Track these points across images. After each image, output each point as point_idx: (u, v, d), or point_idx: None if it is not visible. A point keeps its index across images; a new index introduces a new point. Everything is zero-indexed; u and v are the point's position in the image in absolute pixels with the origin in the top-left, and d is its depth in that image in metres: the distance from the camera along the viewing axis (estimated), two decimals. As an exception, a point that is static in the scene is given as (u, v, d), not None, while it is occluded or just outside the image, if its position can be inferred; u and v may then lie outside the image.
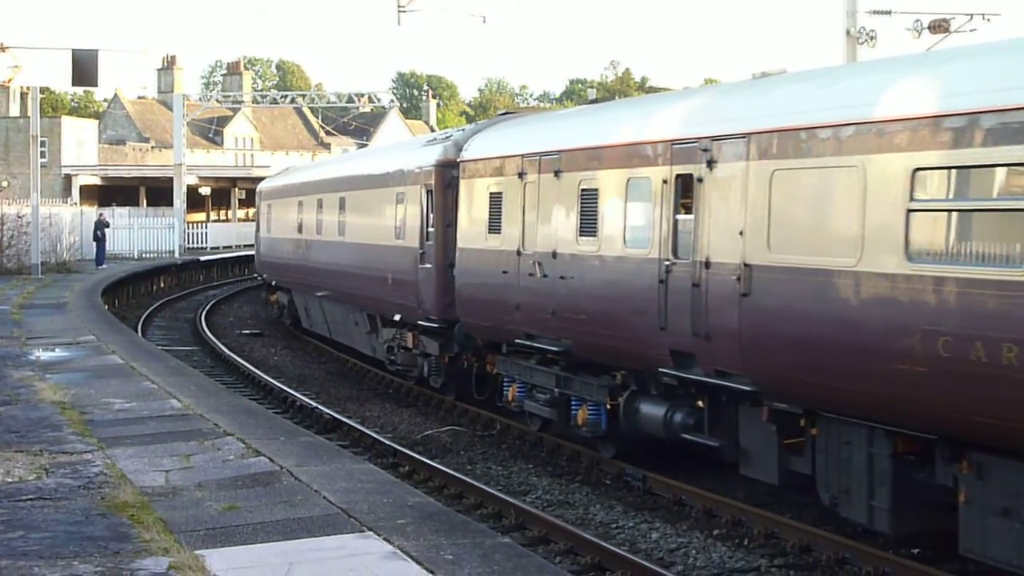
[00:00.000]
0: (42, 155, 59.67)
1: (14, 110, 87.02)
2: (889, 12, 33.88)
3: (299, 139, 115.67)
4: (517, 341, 20.14)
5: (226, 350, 33.91)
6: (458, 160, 23.05)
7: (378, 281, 27.26)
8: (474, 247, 21.88)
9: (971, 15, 34.40)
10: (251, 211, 76.49)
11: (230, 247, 73.00)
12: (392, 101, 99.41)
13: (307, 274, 35.30)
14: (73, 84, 41.41)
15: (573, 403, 19.03)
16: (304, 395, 26.10)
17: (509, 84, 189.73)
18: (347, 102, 79.19)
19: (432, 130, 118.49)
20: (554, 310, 18.85)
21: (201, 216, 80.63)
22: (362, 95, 77.40)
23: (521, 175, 20.13)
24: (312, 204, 35.04)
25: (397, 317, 26.20)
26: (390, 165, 27.79)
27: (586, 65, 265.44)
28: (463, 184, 22.64)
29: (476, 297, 21.81)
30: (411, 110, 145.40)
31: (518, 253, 19.99)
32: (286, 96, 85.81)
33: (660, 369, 16.24)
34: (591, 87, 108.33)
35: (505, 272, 20.32)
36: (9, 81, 40.89)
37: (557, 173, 19.00)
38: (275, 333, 40.22)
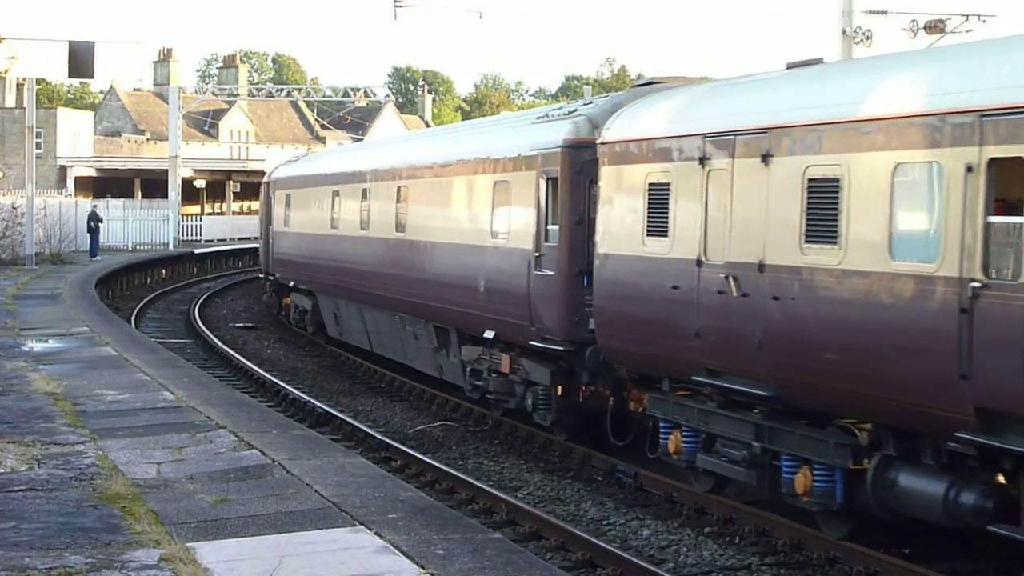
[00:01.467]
0: (37, 146, 59.69)
1: (10, 101, 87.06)
2: (885, 12, 33.88)
3: (294, 133, 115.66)
4: (695, 378, 15.56)
5: (219, 343, 33.90)
6: (598, 141, 18.12)
7: (459, 289, 22.64)
8: (624, 252, 17.07)
9: (967, 16, 34.43)
10: (246, 204, 76.70)
11: (224, 240, 72.97)
12: (388, 96, 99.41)
13: (342, 276, 30.57)
14: (70, 75, 41.40)
15: (785, 464, 14.55)
16: (297, 388, 26.10)
17: (505, 80, 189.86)
18: (343, 96, 79.17)
19: (427, 125, 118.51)
20: (760, 342, 14.34)
21: (196, 209, 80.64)
22: (358, 89, 77.42)
23: (703, 160, 15.44)
24: (353, 194, 30.14)
25: (489, 334, 21.43)
26: (482, 148, 22.81)
27: (582, 62, 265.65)
28: (605, 172, 17.79)
29: (627, 317, 17.12)
30: (406, 105, 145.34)
31: (698, 263, 15.33)
32: (282, 90, 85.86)
33: (955, 433, 11.88)
34: (587, 84, 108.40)
35: (676, 287, 15.70)
36: (5, 72, 40.91)
37: (765, 157, 14.44)
38: (268, 327, 40.18)
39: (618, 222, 17.31)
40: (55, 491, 12.23)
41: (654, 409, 16.88)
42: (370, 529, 10.93)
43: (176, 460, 13.90)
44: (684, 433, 16.22)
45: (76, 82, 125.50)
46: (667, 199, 16.15)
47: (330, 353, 32.99)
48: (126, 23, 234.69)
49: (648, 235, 16.47)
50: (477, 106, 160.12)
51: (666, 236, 16.09)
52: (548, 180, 19.66)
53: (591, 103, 20.45)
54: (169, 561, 9.87)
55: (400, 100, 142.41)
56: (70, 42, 39.81)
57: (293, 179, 37.39)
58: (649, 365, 16.96)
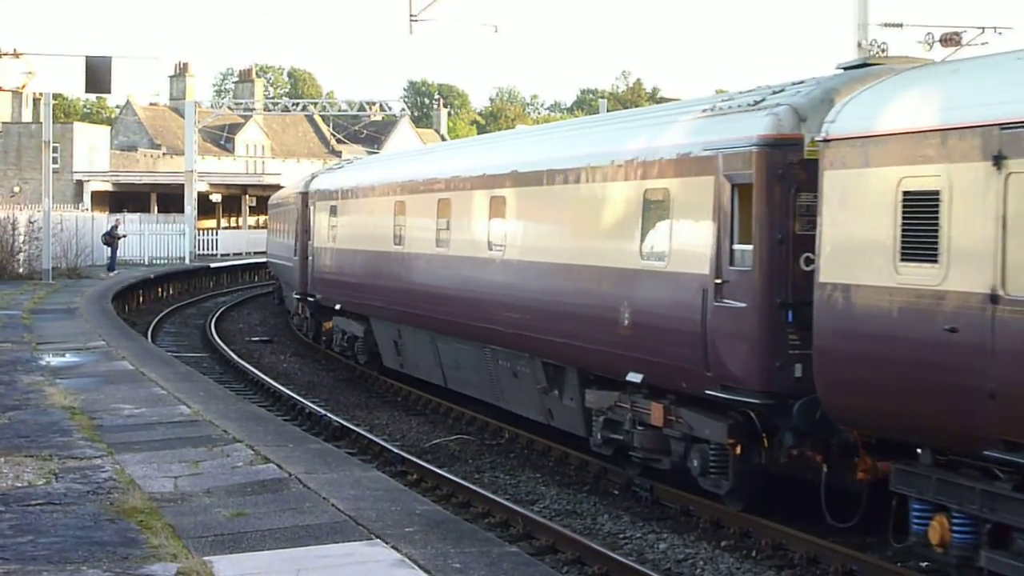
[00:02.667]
0: (54, 161, 59.70)
1: (27, 116, 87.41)
2: (900, 25, 33.87)
3: (310, 147, 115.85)
4: (988, 453, 11.77)
5: (235, 356, 33.93)
6: (819, 138, 14.08)
7: (587, 321, 18.52)
8: (865, 282, 13.14)
9: (983, 28, 34.38)
10: (262, 218, 76.69)
11: (240, 254, 73.16)
12: (403, 110, 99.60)
13: (409, 299, 26.16)
14: (87, 91, 41.47)
15: None
16: (313, 402, 26.10)
17: (520, 93, 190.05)
18: (358, 110, 79.37)
19: (443, 139, 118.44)
20: None
21: (212, 223, 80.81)
22: (373, 103, 77.63)
23: (998, 161, 11.57)
24: (425, 206, 25.68)
25: (634, 377, 17.29)
26: (622, 148, 18.27)
27: (597, 75, 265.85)
28: (831, 177, 13.77)
29: (869, 366, 13.08)
30: (422, 119, 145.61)
31: (992, 299, 11.51)
32: (297, 104, 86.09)
33: None
34: (602, 97, 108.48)
35: (952, 330, 11.91)
36: (23, 87, 40.95)
37: None
38: (284, 340, 40.22)
39: (853, 242, 13.36)
40: (72, 505, 12.24)
41: (901, 485, 13.10)
42: (387, 543, 10.93)
43: (193, 474, 13.91)
44: (955, 520, 12.39)
45: (92, 97, 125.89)
46: (935, 211, 12.24)
47: (346, 367, 32.96)
48: (142, 38, 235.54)
49: (903, 259, 12.57)
50: (492, 120, 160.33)
51: (934, 261, 12.18)
52: (733, 188, 15.44)
53: (783, 90, 15.92)
54: (186, 575, 9.89)
55: (416, 114, 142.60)
56: (87, 57, 39.89)
57: (341, 189, 32.81)
58: (900, 430, 13.17)
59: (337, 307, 32.34)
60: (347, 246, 31.46)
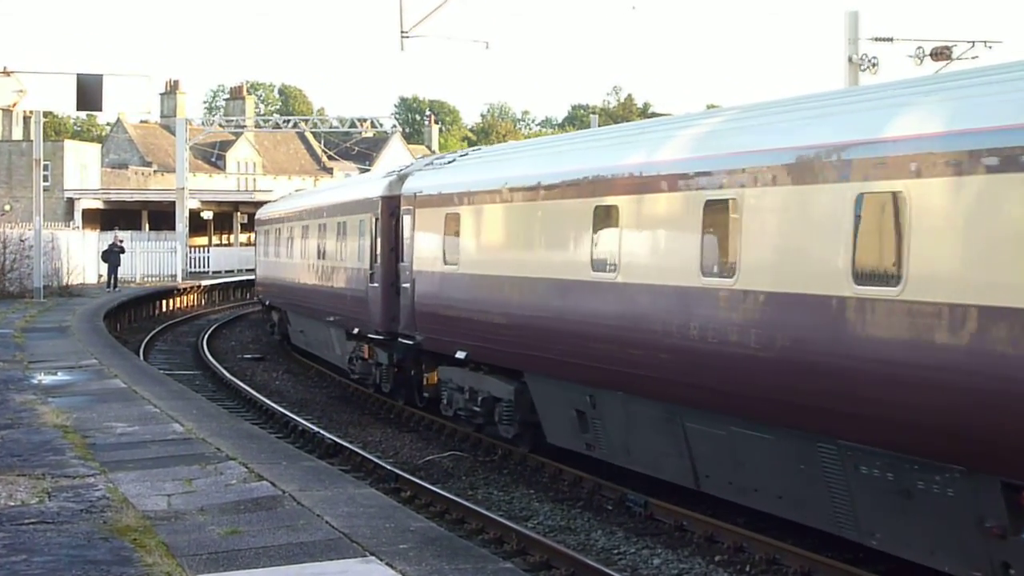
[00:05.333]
0: (45, 179, 59.91)
1: (17, 134, 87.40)
2: (891, 39, 33.99)
3: (301, 163, 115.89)
4: None
5: (228, 374, 33.89)
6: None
7: None
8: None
9: (973, 42, 34.50)
10: (253, 236, 76.59)
11: (232, 271, 73.17)
12: (395, 126, 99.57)
13: (619, 351, 17.44)
14: (78, 108, 41.55)
15: None
16: (306, 420, 26.07)
17: (511, 109, 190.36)
18: (349, 127, 79.36)
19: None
20: None
21: (203, 240, 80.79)
22: (364, 120, 77.58)
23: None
24: (673, 211, 16.53)
25: None
26: None
27: (588, 91, 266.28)
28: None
29: None
30: (413, 135, 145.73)
31: None
32: (288, 121, 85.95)
33: None
34: (593, 113, 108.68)
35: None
36: (14, 105, 41.01)
37: None
38: (276, 358, 40.18)
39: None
40: (66, 524, 12.22)
41: None
42: (381, 560, 10.92)
43: (186, 492, 13.89)
44: None
45: (83, 115, 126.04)
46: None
47: (339, 384, 32.88)
48: (133, 56, 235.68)
49: None
50: (484, 136, 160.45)
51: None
52: None
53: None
54: (180, 593, 9.88)
55: (407, 130, 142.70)
56: (78, 75, 39.95)
57: (470, 191, 22.99)
58: None
59: (460, 355, 22.81)
60: (487, 271, 21.96)
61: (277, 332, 43.87)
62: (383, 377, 28.45)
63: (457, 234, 23.10)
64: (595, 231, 18.21)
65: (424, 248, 24.79)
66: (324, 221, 34.22)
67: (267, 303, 46.02)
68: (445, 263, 23.53)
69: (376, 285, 27.47)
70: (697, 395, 15.73)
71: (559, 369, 19.43)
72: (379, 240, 27.55)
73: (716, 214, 15.33)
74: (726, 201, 15.08)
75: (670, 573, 15.01)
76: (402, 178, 27.46)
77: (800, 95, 15.93)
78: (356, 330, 29.38)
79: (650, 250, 16.87)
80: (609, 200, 17.79)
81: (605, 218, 17.94)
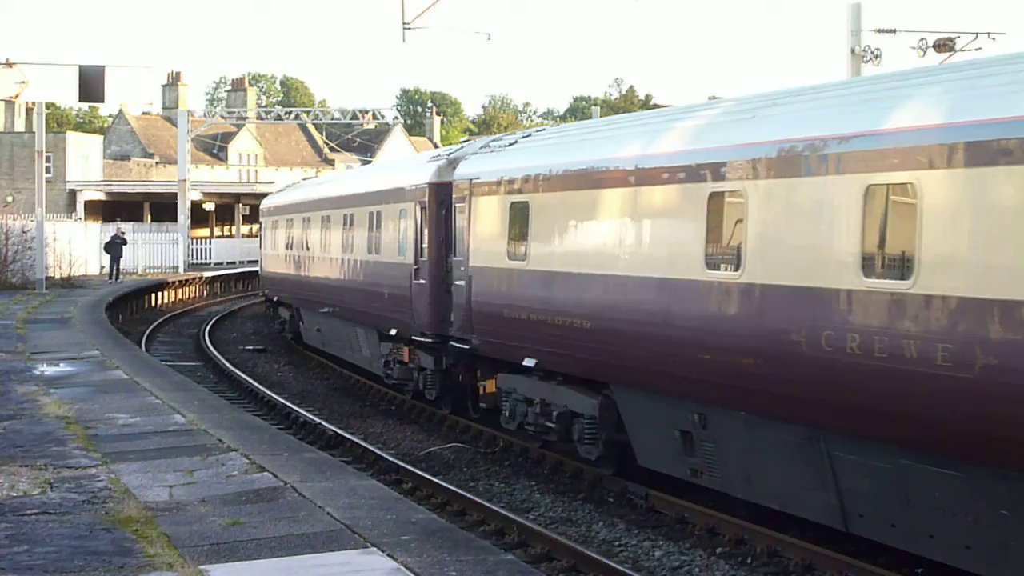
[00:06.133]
0: (47, 170, 59.85)
1: (19, 125, 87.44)
2: (894, 31, 33.95)
3: (303, 155, 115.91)
4: None
5: (229, 365, 33.90)
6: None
7: None
8: None
9: (976, 34, 34.46)
10: (255, 227, 76.57)
11: (234, 263, 73.21)
12: (396, 118, 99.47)
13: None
14: (80, 100, 41.50)
15: None
16: (307, 411, 26.08)
17: (513, 101, 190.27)
18: (351, 119, 79.31)
19: (436, 147, 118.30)
20: None
21: (205, 232, 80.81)
22: (366, 112, 77.55)
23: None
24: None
25: None
26: None
27: (590, 82, 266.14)
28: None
29: None
30: (415, 127, 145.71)
31: None
32: (290, 112, 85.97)
33: None
34: (595, 104, 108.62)
35: None
36: (16, 97, 40.95)
37: None
38: (278, 349, 40.18)
39: None
40: (68, 515, 12.24)
41: None
42: (382, 551, 10.93)
43: (188, 483, 13.91)
44: None
45: (85, 106, 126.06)
46: None
47: (340, 375, 32.87)
48: (135, 48, 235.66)
49: None
50: (485, 127, 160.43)
51: None
52: None
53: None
54: (182, 584, 9.90)
55: (408, 122, 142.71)
56: (80, 66, 39.90)
57: (545, 174, 19.59)
58: None
59: (528, 362, 19.82)
60: (564, 268, 18.73)
61: (288, 330, 41.11)
62: (427, 383, 25.32)
63: (525, 225, 19.91)
64: (710, 222, 15.32)
65: (483, 241, 21.69)
66: (350, 211, 31.02)
67: (275, 299, 43.40)
68: (510, 258, 20.38)
69: (423, 282, 24.48)
70: (852, 419, 12.91)
71: (658, 382, 16.45)
72: (426, 232, 24.52)
73: (885, 201, 12.61)
74: (904, 186, 12.22)
75: (671, 565, 15.02)
76: (452, 163, 24.37)
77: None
78: (393, 331, 26.49)
79: (792, 244, 13.80)
80: (731, 184, 14.88)
81: (722, 206, 15.16)
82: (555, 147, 20.60)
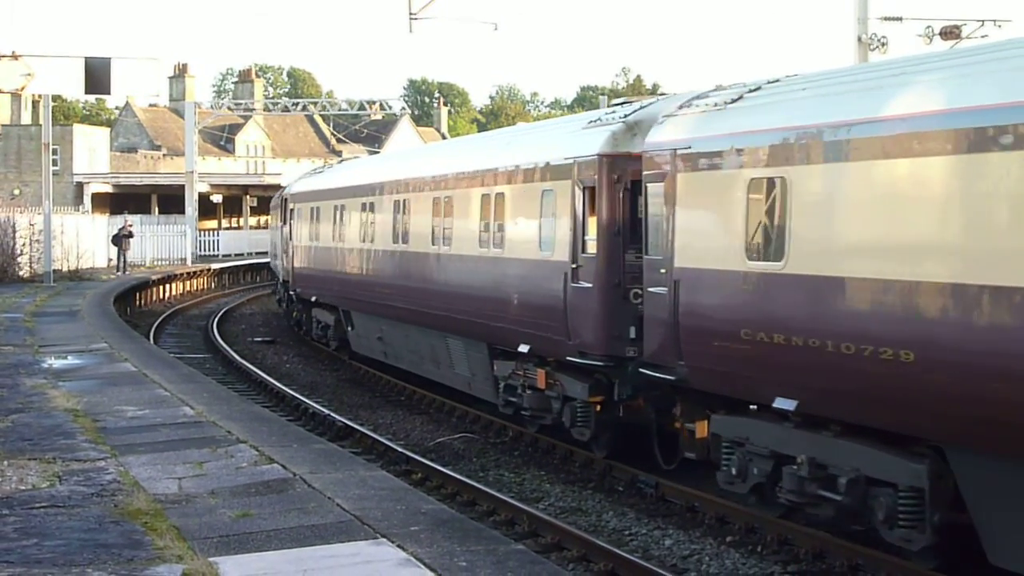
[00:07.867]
0: (54, 163, 59.81)
1: (26, 118, 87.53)
2: (900, 18, 33.84)
3: (310, 146, 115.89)
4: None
5: (238, 357, 33.89)
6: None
7: None
8: None
9: (982, 21, 34.34)
10: (263, 218, 76.53)
11: (242, 254, 73.23)
12: (403, 108, 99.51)
13: None
14: (86, 92, 41.36)
15: None
16: (316, 402, 26.07)
17: (520, 91, 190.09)
18: (358, 109, 79.32)
19: (443, 137, 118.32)
20: None
21: (213, 224, 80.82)
22: (373, 103, 77.57)
23: None
24: None
25: None
26: None
27: (597, 72, 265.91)
28: None
29: None
30: (422, 117, 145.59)
31: None
32: (297, 104, 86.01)
33: None
34: (603, 94, 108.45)
35: None
36: (22, 89, 40.92)
37: None
38: (287, 340, 40.18)
39: None
40: (77, 507, 12.22)
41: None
42: (392, 542, 10.91)
43: (197, 475, 13.89)
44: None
45: (92, 99, 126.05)
46: None
47: (349, 367, 32.86)
48: (142, 39, 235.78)
49: None
50: (493, 118, 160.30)
51: None
52: None
53: None
54: (192, 576, 9.88)
55: (416, 113, 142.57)
56: (86, 58, 39.84)
57: (794, 143, 13.97)
58: None
59: (782, 404, 14.10)
60: (853, 273, 12.97)
61: (331, 337, 35.11)
62: (577, 418, 19.51)
63: (777, 212, 14.13)
64: None
65: (696, 233, 15.94)
66: (445, 193, 24.83)
67: (312, 299, 36.60)
68: (751, 257, 14.56)
69: (587, 286, 18.79)
70: None
71: None
72: (594, 220, 18.86)
73: None
74: None
75: (681, 554, 14.99)
76: (632, 127, 18.51)
77: None
78: (524, 347, 20.86)
79: None
80: None
81: None
82: (825, 99, 14.07)
